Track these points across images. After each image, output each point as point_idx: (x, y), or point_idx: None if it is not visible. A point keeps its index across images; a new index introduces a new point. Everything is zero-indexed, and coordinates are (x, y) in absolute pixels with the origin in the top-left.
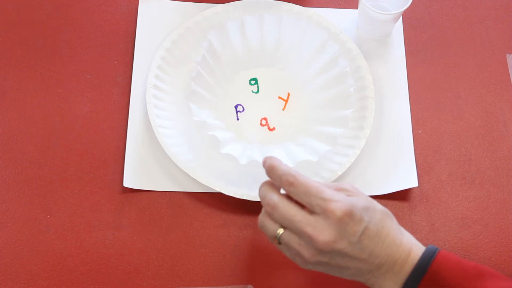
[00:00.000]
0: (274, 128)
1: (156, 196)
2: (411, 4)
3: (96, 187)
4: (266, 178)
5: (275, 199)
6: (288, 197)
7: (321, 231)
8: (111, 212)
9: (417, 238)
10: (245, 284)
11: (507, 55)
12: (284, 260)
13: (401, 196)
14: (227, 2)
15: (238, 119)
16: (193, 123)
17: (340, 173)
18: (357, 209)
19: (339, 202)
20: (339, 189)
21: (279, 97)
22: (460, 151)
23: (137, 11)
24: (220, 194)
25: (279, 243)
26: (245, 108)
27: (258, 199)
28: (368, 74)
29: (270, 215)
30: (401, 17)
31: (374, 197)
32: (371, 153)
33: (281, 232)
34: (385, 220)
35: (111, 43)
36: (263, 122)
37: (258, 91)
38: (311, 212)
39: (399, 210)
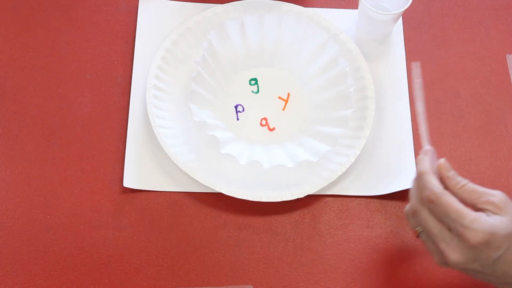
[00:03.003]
0: (274, 128)
1: (156, 196)
2: (411, 4)
3: (96, 187)
4: (265, 179)
5: (418, 205)
6: None
7: (453, 251)
8: (111, 212)
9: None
10: (245, 284)
11: (507, 55)
12: (284, 260)
13: (401, 196)
14: (227, 2)
15: (238, 119)
16: (193, 123)
17: (340, 173)
18: (496, 236)
19: (477, 232)
20: (486, 202)
21: (279, 97)
22: (460, 151)
23: (137, 11)
24: (220, 194)
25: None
26: (245, 108)
27: (258, 199)
28: (368, 74)
29: (413, 216)
30: (401, 17)
31: (374, 197)
32: (371, 153)
33: (420, 231)
34: None
35: (111, 43)
36: (263, 122)
37: (258, 91)
38: (450, 228)
39: (399, 210)
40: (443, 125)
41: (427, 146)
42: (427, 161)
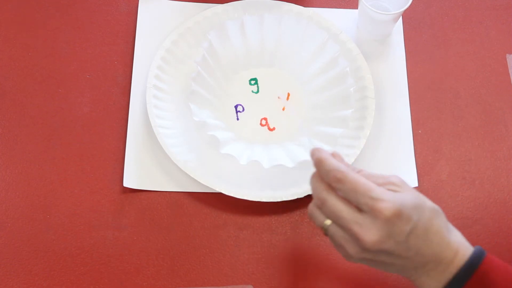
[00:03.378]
0: (274, 128)
1: (156, 196)
2: (411, 4)
3: (96, 187)
4: (265, 179)
5: (324, 194)
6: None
7: (368, 231)
8: (111, 212)
9: None
10: (245, 284)
11: (507, 55)
12: (284, 260)
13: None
14: (227, 2)
15: (238, 119)
16: (193, 123)
17: None
18: (406, 208)
19: (388, 202)
20: (387, 183)
21: (279, 97)
22: (460, 151)
23: (137, 11)
24: (220, 194)
25: (326, 234)
26: (245, 108)
27: (258, 199)
28: (368, 74)
29: (319, 208)
30: (401, 17)
31: None
32: (371, 153)
33: (328, 224)
34: (434, 218)
35: (111, 43)
36: (263, 122)
37: (258, 91)
38: (359, 209)
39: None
40: (443, 125)
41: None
42: (322, 150)
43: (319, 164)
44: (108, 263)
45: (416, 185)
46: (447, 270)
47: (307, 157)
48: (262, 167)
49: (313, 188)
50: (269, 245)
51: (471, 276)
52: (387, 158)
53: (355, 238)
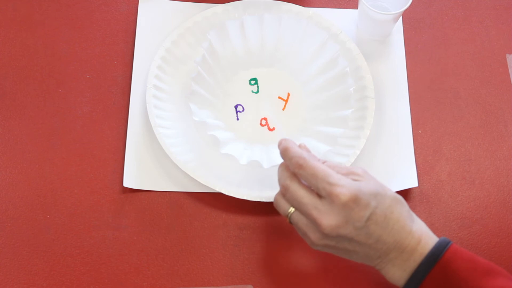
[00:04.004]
0: (274, 128)
1: (156, 196)
2: (411, 4)
3: (96, 187)
4: (265, 179)
5: (287, 181)
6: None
7: (325, 215)
8: (111, 212)
9: None
10: (245, 284)
11: (507, 55)
12: (284, 260)
13: (400, 195)
14: (227, 2)
15: (238, 119)
16: (193, 123)
17: None
18: (363, 194)
19: (344, 187)
20: (349, 173)
21: (279, 97)
22: (460, 151)
23: (137, 11)
24: (220, 194)
25: (290, 222)
26: (245, 108)
27: (258, 199)
28: (368, 74)
29: (283, 195)
30: (401, 17)
31: None
32: (371, 153)
33: (291, 212)
34: (395, 206)
35: (111, 43)
36: (263, 122)
37: (258, 91)
38: (319, 196)
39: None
40: (443, 125)
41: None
42: (288, 140)
43: (284, 152)
44: (108, 263)
45: (416, 185)
46: (411, 258)
47: None
48: (262, 167)
49: (279, 177)
50: (269, 245)
51: (435, 264)
52: (387, 158)
53: (314, 223)
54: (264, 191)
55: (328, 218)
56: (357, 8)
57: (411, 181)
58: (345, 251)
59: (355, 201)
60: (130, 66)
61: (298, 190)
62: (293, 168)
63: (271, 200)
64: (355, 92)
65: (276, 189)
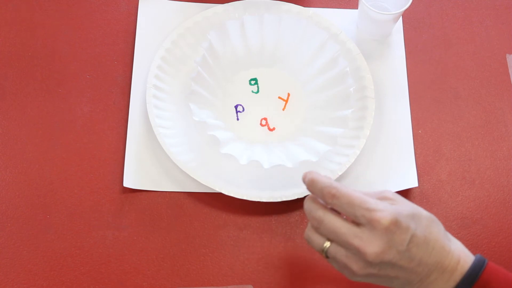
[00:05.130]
0: (274, 128)
1: (156, 196)
2: (411, 4)
3: (96, 187)
4: (265, 179)
5: (320, 213)
6: (334, 210)
7: (369, 243)
8: (111, 212)
9: None
10: (245, 284)
11: (507, 55)
12: (284, 260)
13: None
14: (227, 2)
15: (238, 119)
16: (193, 123)
17: (340, 173)
18: (402, 217)
19: (384, 211)
20: (382, 198)
21: (279, 97)
22: (460, 151)
23: (137, 11)
24: (220, 194)
25: (327, 256)
26: (245, 108)
27: (258, 199)
28: (368, 74)
29: (317, 229)
30: (401, 17)
31: None
32: (371, 153)
33: (327, 246)
34: (432, 226)
35: (111, 43)
36: (263, 122)
37: (258, 91)
38: (357, 223)
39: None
40: (443, 125)
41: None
42: (313, 172)
43: (312, 184)
44: (108, 263)
45: (416, 185)
46: (451, 278)
47: (307, 157)
48: (262, 167)
49: (308, 210)
50: (269, 245)
51: (474, 284)
52: (387, 158)
53: (357, 253)
54: (264, 191)
55: (371, 245)
56: (357, 8)
57: (411, 181)
58: (386, 278)
59: (396, 224)
60: (130, 66)
61: (334, 221)
62: (325, 199)
63: (271, 200)
64: (355, 92)
65: (276, 189)
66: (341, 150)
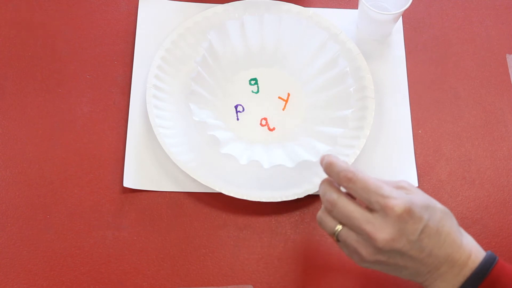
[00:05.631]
0: (274, 128)
1: (156, 196)
2: (411, 4)
3: (96, 187)
4: (265, 179)
5: (334, 196)
6: (348, 195)
7: (380, 229)
8: (111, 212)
9: None
10: (245, 284)
11: (507, 55)
12: (284, 260)
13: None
14: (227, 2)
15: (238, 119)
16: (193, 123)
17: None
18: (416, 206)
19: (398, 199)
20: (398, 187)
21: (279, 97)
22: (460, 151)
23: (137, 11)
24: (220, 194)
25: (338, 240)
26: (245, 108)
27: (258, 199)
28: (368, 74)
29: (330, 212)
30: (401, 17)
31: None
32: (371, 153)
33: (339, 229)
34: (445, 219)
35: (111, 43)
36: (263, 122)
37: (258, 91)
38: (370, 210)
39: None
40: (443, 125)
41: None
42: (331, 155)
43: (330, 167)
44: (108, 263)
45: (416, 185)
46: (461, 273)
47: (307, 157)
48: (262, 167)
49: (323, 193)
50: (269, 245)
51: (483, 280)
52: (387, 158)
53: (368, 238)
54: (264, 191)
55: (383, 232)
56: (357, 8)
57: (411, 181)
58: (395, 267)
59: (409, 213)
60: (130, 66)
61: (348, 204)
62: (341, 182)
63: (271, 200)
64: (355, 92)
65: (276, 189)
66: (341, 150)
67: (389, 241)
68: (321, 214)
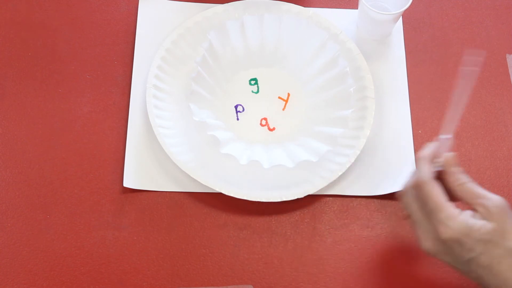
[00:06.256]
0: (274, 128)
1: (156, 196)
2: (411, 4)
3: (96, 187)
4: (265, 179)
5: (408, 188)
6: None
7: (426, 239)
8: (111, 212)
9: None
10: (245, 284)
11: (507, 55)
12: (284, 260)
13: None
14: (227, 2)
15: (238, 119)
16: (193, 123)
17: (340, 173)
18: (469, 238)
19: (448, 229)
20: (478, 204)
21: (279, 97)
22: (460, 151)
23: (137, 11)
24: (220, 194)
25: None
26: (245, 108)
27: (258, 199)
28: (368, 74)
29: (404, 196)
30: (401, 17)
31: (374, 197)
32: (371, 153)
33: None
34: (507, 258)
35: (111, 43)
36: (263, 122)
37: (258, 91)
38: (429, 217)
39: (399, 210)
40: None
41: (443, 135)
42: (431, 148)
43: (417, 162)
44: (108, 263)
45: None
46: None
47: (307, 157)
48: (262, 167)
49: (421, 171)
50: (269, 245)
51: None
52: (387, 158)
53: (418, 237)
54: (264, 191)
55: (427, 243)
56: (357, 8)
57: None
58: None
59: (458, 242)
60: (130, 66)
61: (412, 203)
62: (413, 183)
63: (271, 200)
64: (355, 92)
65: (276, 189)
66: (341, 150)
67: (431, 253)
68: (400, 193)
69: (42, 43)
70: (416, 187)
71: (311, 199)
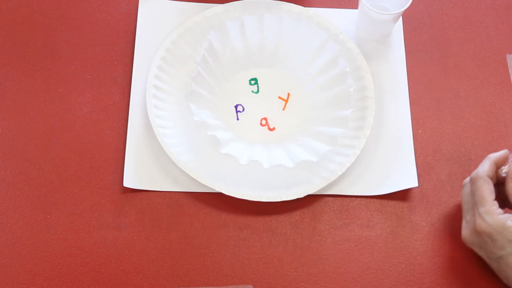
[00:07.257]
0: (274, 128)
1: (156, 196)
2: (411, 4)
3: (96, 187)
4: (265, 179)
5: (468, 180)
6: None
7: (465, 229)
8: (111, 212)
9: (417, 238)
10: (245, 284)
11: (507, 55)
12: (284, 260)
13: (401, 196)
14: (227, 2)
15: (238, 119)
16: (193, 123)
17: (340, 173)
18: (501, 236)
19: (484, 222)
20: None
21: (279, 97)
22: (460, 151)
23: (137, 11)
24: (220, 194)
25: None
26: (245, 108)
27: (258, 199)
28: (368, 74)
29: (463, 187)
30: (401, 17)
31: (374, 197)
32: (371, 153)
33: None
34: None
35: (111, 43)
36: (263, 122)
37: (258, 91)
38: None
39: (399, 210)
40: (443, 125)
41: None
42: (502, 154)
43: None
44: (108, 263)
45: (416, 185)
46: None
47: (307, 157)
48: (262, 167)
49: (484, 168)
50: (269, 245)
51: None
52: (387, 158)
53: (471, 222)
54: (264, 191)
55: (466, 232)
56: (357, 8)
57: (411, 181)
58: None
59: (490, 236)
60: (130, 66)
61: (466, 193)
62: (471, 177)
63: (271, 200)
64: (355, 92)
65: (276, 189)
66: (341, 150)
67: (467, 243)
68: (475, 178)
69: (42, 43)
70: (471, 180)
71: (311, 199)
